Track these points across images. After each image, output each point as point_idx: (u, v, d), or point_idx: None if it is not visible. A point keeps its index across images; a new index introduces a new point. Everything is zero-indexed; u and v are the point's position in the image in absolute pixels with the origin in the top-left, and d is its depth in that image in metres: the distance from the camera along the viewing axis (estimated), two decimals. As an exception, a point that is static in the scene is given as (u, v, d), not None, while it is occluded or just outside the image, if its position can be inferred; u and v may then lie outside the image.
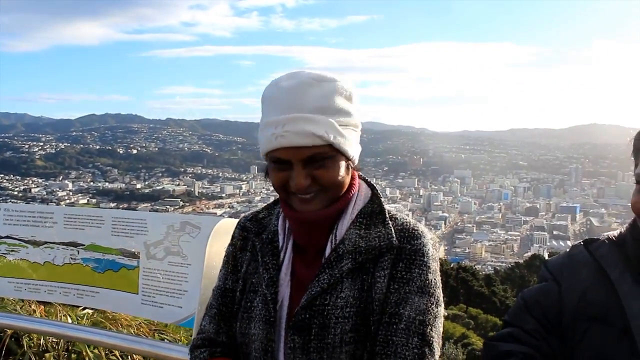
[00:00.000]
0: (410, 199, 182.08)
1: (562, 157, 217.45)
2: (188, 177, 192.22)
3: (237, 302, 1.62)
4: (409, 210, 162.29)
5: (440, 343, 1.48)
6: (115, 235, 2.85)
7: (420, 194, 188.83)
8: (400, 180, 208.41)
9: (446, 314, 1.51)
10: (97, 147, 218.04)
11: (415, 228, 1.55)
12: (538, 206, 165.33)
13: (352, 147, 1.52)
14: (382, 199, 1.61)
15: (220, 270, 1.73)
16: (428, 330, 1.43)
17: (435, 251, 1.57)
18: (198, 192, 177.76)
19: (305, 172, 1.43)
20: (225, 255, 1.74)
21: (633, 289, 1.21)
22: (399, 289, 1.45)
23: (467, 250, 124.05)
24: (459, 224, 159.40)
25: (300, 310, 1.46)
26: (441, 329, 1.49)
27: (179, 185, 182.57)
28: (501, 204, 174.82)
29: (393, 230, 1.52)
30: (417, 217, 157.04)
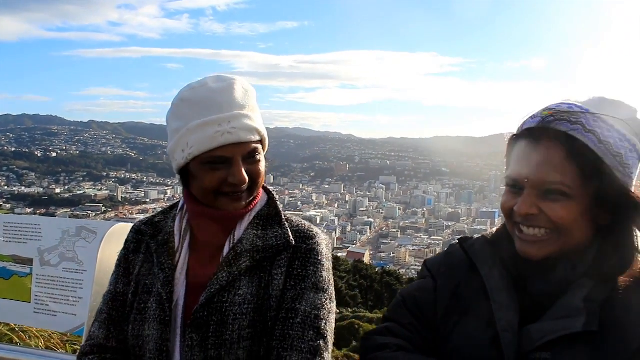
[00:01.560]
0: (336, 205, 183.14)
1: (482, 164, 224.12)
2: (111, 182, 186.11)
3: (129, 305, 1.61)
4: (335, 216, 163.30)
5: (333, 337, 1.54)
6: (7, 240, 2.71)
7: (347, 199, 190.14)
8: (327, 186, 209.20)
9: (338, 311, 1.64)
10: (13, 149, 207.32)
11: (310, 229, 1.64)
12: (460, 211, 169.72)
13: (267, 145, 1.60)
14: (278, 203, 1.69)
15: (112, 275, 1.72)
16: (323, 324, 1.50)
17: (329, 251, 1.65)
18: (121, 197, 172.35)
19: (243, 167, 1.50)
20: (117, 259, 1.73)
21: (499, 283, 1.27)
22: (295, 285, 1.52)
23: (392, 255, 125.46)
24: (383, 229, 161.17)
25: (199, 308, 1.49)
26: (334, 324, 1.56)
27: (101, 190, 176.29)
28: (425, 209, 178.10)
29: (289, 231, 1.59)
30: (344, 222, 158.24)
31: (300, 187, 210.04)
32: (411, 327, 1.38)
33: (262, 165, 1.56)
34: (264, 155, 1.60)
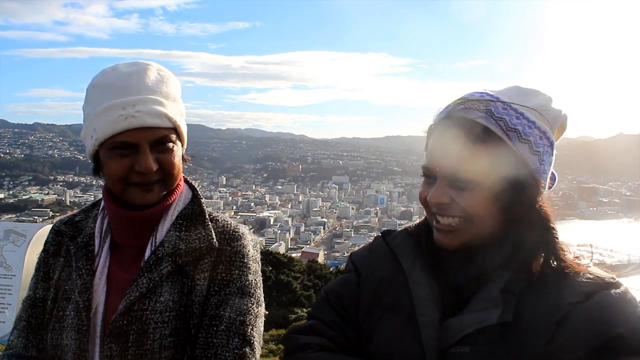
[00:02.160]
0: (289, 205, 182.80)
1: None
2: (58, 186, 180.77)
3: (49, 311, 1.53)
4: (289, 217, 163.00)
5: (262, 342, 1.49)
6: None
7: (300, 199, 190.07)
8: (280, 187, 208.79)
9: (267, 312, 1.54)
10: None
11: (236, 230, 1.57)
12: (412, 210, 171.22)
13: (186, 138, 1.53)
14: (203, 200, 1.61)
15: (32, 279, 1.63)
16: (249, 330, 1.44)
17: (256, 252, 1.58)
18: (70, 201, 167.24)
19: (152, 156, 1.42)
20: (37, 263, 1.64)
21: (421, 277, 1.26)
22: (219, 290, 1.46)
23: (346, 255, 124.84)
24: (337, 228, 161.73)
25: (117, 317, 1.41)
26: (262, 329, 1.51)
27: (48, 194, 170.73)
28: (377, 208, 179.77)
29: (213, 232, 1.52)
30: (297, 223, 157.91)
31: (253, 188, 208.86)
32: (334, 325, 1.35)
33: (177, 156, 1.48)
34: (185, 150, 1.54)
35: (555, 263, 1.18)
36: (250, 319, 1.46)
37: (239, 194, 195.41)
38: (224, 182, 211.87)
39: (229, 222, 1.59)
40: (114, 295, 1.47)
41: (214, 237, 1.51)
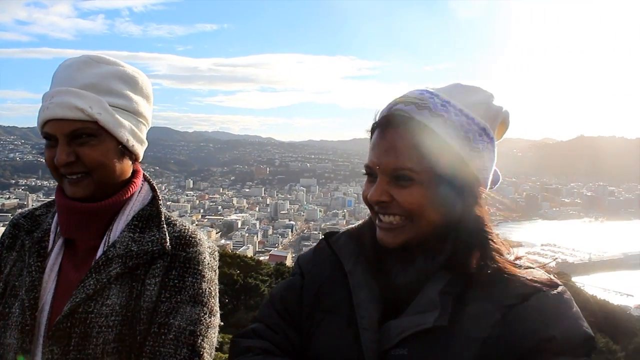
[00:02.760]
0: (257, 208, 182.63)
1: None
2: (20, 190, 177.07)
3: None
4: (256, 220, 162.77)
5: (213, 354, 1.45)
6: None
7: (267, 202, 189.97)
8: (247, 190, 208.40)
9: (222, 323, 1.50)
10: None
11: (193, 235, 1.51)
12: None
13: (127, 132, 1.46)
14: (161, 202, 1.56)
15: None
16: (199, 340, 1.39)
17: (213, 260, 1.53)
18: (32, 205, 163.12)
19: (69, 148, 1.38)
20: None
21: (362, 279, 1.25)
22: (170, 297, 1.41)
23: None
24: (305, 231, 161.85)
25: (61, 318, 1.36)
26: (215, 340, 1.46)
27: (9, 198, 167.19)
28: (345, 210, 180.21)
29: (168, 236, 1.47)
30: (265, 225, 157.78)
31: (221, 191, 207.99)
32: (277, 328, 1.34)
33: (100, 151, 1.41)
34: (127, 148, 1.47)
35: (492, 264, 1.17)
36: (202, 329, 1.40)
37: (206, 197, 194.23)
38: (191, 185, 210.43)
39: (187, 227, 1.54)
40: (64, 294, 1.41)
41: (168, 241, 1.46)
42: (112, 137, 1.43)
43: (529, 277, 1.15)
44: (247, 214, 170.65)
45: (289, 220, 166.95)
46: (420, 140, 1.15)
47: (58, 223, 1.51)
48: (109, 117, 1.42)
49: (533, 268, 1.21)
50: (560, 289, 1.14)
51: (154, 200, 1.55)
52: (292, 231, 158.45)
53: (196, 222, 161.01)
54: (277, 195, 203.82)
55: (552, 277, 1.17)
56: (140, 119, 1.51)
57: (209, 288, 1.47)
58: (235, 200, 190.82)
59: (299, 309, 1.35)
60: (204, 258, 1.49)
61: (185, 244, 1.48)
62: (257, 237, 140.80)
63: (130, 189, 1.51)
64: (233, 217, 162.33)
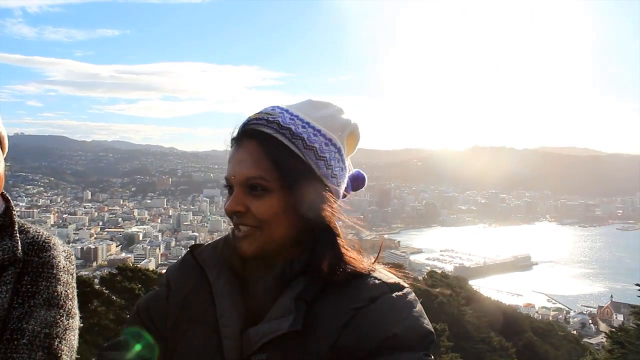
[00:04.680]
0: (159, 220, 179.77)
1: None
2: None
3: None
4: (159, 232, 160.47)
5: (74, 356, 1.43)
6: None
7: (170, 214, 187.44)
8: (149, 201, 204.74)
9: (81, 325, 1.50)
10: None
11: (47, 241, 1.51)
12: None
13: None
14: (14, 212, 1.54)
15: None
16: (56, 343, 1.36)
17: (69, 263, 1.52)
18: None
19: None
20: None
21: (224, 289, 1.31)
22: (23, 303, 1.39)
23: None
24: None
25: None
26: (75, 342, 1.43)
27: None
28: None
29: (20, 244, 1.46)
30: (167, 237, 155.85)
31: (121, 202, 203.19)
32: (143, 340, 1.36)
33: (0, 169, 1.45)
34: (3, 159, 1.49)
35: (344, 269, 1.24)
36: (58, 331, 1.37)
37: (106, 209, 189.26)
38: (89, 197, 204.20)
39: (41, 233, 1.52)
40: None
41: (19, 248, 1.44)
42: None
43: (377, 281, 1.23)
44: (149, 226, 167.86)
45: (192, 232, 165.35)
46: (270, 151, 1.23)
47: None
48: None
49: (383, 272, 1.28)
50: (405, 290, 1.22)
51: (7, 210, 1.52)
52: (195, 242, 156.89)
53: (95, 236, 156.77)
54: (179, 206, 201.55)
55: (399, 280, 1.25)
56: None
57: (65, 291, 1.45)
58: (136, 212, 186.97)
59: (164, 320, 1.37)
60: (59, 262, 1.47)
61: (38, 249, 1.47)
62: (159, 249, 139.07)
63: None
64: (134, 229, 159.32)
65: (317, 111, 1.31)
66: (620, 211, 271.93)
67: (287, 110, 1.29)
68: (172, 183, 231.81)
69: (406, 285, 1.25)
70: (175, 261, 1.54)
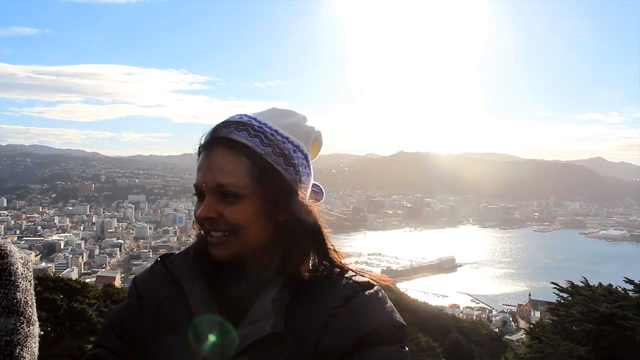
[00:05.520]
0: (82, 227, 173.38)
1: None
2: None
3: None
4: (81, 239, 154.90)
5: None
6: None
7: (93, 221, 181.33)
8: (71, 208, 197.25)
9: (42, 332, 1.62)
10: None
11: (3, 248, 1.48)
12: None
13: None
14: None
15: None
16: (17, 350, 1.33)
17: (27, 270, 1.51)
18: None
19: None
20: None
21: (199, 297, 1.33)
22: None
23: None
24: (134, 250, 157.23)
25: None
26: (36, 349, 1.41)
27: None
28: (176, 227, 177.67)
29: None
30: (91, 245, 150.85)
31: (40, 209, 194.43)
32: (119, 352, 1.37)
33: None
34: None
35: (319, 271, 1.31)
36: (19, 338, 1.34)
37: (24, 216, 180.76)
38: (5, 204, 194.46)
39: None
40: None
41: None
42: None
43: (350, 281, 1.29)
44: (71, 234, 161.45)
45: (117, 239, 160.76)
46: (241, 158, 1.26)
47: None
48: None
49: (355, 273, 1.33)
50: (375, 288, 1.29)
51: None
52: (120, 250, 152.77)
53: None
54: (103, 212, 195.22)
55: (369, 279, 1.32)
56: None
57: (25, 298, 1.42)
58: (57, 219, 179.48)
59: (139, 331, 1.38)
60: (17, 269, 1.44)
61: None
62: (82, 258, 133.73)
63: None
64: (55, 237, 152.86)
65: (282, 119, 1.35)
66: (537, 214, 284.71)
67: (255, 119, 1.32)
68: (95, 189, 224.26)
69: (375, 283, 1.31)
70: (143, 271, 1.54)
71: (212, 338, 1.27)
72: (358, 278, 1.31)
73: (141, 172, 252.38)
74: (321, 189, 1.47)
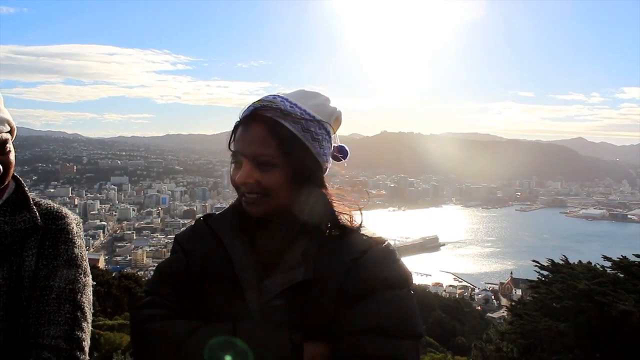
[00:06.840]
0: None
1: (214, 160, 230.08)
2: None
3: None
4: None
5: (92, 309, 1.68)
6: None
7: (76, 203, 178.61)
8: (53, 190, 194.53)
9: (94, 283, 1.70)
10: None
11: (59, 211, 1.76)
12: (195, 208, 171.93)
13: None
14: (27, 189, 1.76)
15: None
16: (79, 296, 1.62)
17: (80, 229, 1.78)
18: None
19: None
20: None
21: (239, 249, 1.53)
22: (48, 264, 1.62)
23: (129, 258, 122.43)
24: (118, 231, 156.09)
25: None
26: (91, 297, 1.69)
27: None
28: (160, 208, 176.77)
29: (38, 214, 1.69)
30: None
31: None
32: (171, 297, 1.54)
33: (13, 156, 1.68)
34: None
35: (338, 229, 1.53)
36: (79, 286, 1.62)
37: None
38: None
39: (52, 205, 1.77)
40: None
41: (38, 218, 1.67)
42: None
43: (365, 238, 1.51)
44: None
45: (100, 221, 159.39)
46: (276, 134, 1.46)
47: None
48: (15, 125, 1.74)
49: (367, 230, 1.57)
50: (386, 243, 1.51)
51: (19, 187, 1.75)
52: (103, 232, 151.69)
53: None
54: (86, 195, 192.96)
55: (380, 236, 1.54)
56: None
57: (80, 253, 1.70)
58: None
59: (186, 280, 1.57)
60: (72, 228, 1.73)
61: (53, 218, 1.71)
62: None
63: (5, 182, 1.70)
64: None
65: (309, 100, 1.54)
66: (519, 193, 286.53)
67: (287, 99, 1.51)
68: (77, 171, 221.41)
69: (387, 239, 1.52)
70: (184, 230, 1.75)
71: (251, 284, 1.47)
72: (371, 234, 1.53)
73: (123, 153, 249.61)
74: (345, 149, 1.67)
